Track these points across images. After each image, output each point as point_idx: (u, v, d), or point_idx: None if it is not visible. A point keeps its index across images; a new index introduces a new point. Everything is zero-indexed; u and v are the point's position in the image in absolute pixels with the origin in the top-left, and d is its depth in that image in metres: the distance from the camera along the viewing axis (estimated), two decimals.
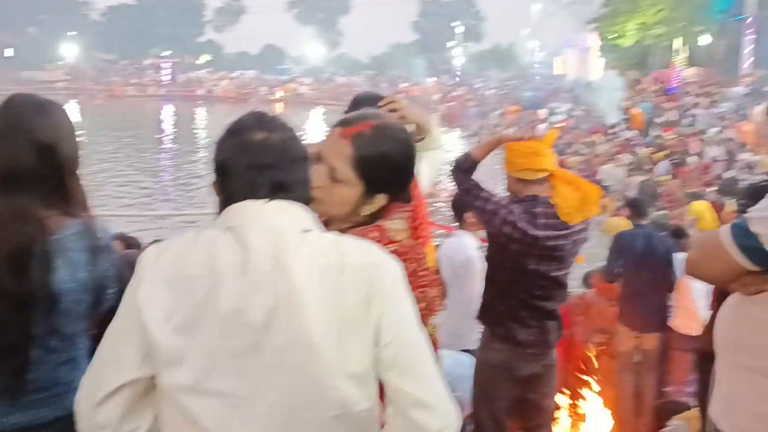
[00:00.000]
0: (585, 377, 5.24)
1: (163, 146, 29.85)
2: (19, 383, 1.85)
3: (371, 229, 1.83)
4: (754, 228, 1.66)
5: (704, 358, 2.77)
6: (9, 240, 1.81)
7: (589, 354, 5.78)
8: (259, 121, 1.50)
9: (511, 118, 29.10)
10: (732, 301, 1.82)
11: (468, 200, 3.47)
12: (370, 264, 1.47)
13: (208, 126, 34.65)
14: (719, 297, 2.45)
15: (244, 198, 1.45)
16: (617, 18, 31.46)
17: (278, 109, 45.64)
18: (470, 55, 59.22)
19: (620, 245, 5.84)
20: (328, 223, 1.89)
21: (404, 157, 1.84)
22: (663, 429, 3.93)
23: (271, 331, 1.37)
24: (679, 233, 6.35)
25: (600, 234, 9.47)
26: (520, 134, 3.72)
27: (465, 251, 4.51)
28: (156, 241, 6.48)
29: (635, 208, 6.25)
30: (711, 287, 4.56)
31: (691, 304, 5.63)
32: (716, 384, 1.87)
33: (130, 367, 1.39)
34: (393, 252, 1.74)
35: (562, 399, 4.20)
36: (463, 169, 3.42)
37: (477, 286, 3.92)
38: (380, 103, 2.45)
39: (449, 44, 60.30)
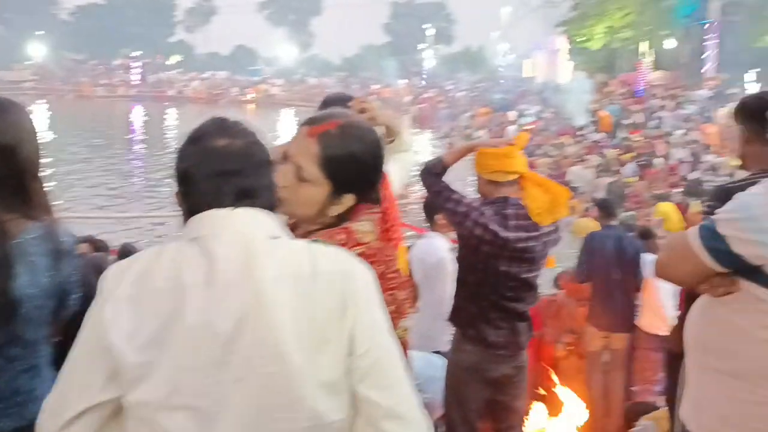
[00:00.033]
0: (554, 378, 5.27)
1: (133, 147, 29.57)
2: None
3: (338, 231, 1.79)
4: (721, 230, 1.66)
5: (673, 358, 2.78)
6: None
7: (558, 354, 5.83)
8: (221, 127, 1.46)
9: (481, 120, 29.25)
10: (701, 302, 1.83)
11: (439, 202, 3.43)
12: (342, 271, 1.44)
13: (178, 127, 34.30)
14: (687, 298, 2.50)
15: (209, 207, 1.41)
16: (585, 21, 31.78)
17: (249, 110, 45.56)
18: (441, 58, 59.40)
19: (590, 246, 5.88)
20: (295, 226, 1.89)
21: (372, 156, 1.80)
22: (631, 429, 3.96)
23: (239, 342, 1.33)
24: (646, 234, 6.39)
25: (569, 235, 9.55)
26: (493, 142, 3.70)
27: (436, 253, 4.50)
28: (126, 243, 6.42)
29: (604, 209, 6.28)
30: (678, 288, 4.63)
31: (657, 303, 5.68)
32: (686, 385, 1.88)
33: (93, 390, 1.35)
34: (360, 254, 1.71)
35: (532, 400, 4.21)
36: (434, 173, 3.41)
37: (448, 287, 3.91)
38: (350, 104, 2.45)
39: (420, 46, 60.41)
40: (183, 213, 1.46)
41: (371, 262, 1.71)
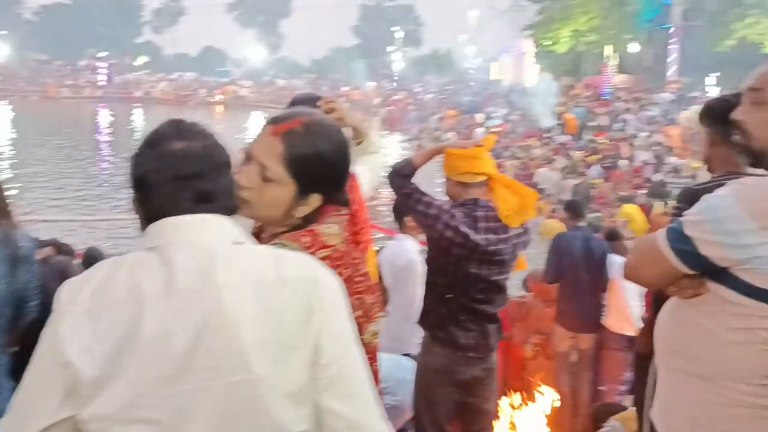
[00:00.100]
0: (523, 379, 5.30)
1: (99, 149, 29.21)
2: None
3: (303, 234, 1.75)
4: (688, 232, 1.66)
5: (641, 360, 2.79)
6: None
7: (527, 355, 5.87)
8: (178, 129, 1.42)
9: (449, 123, 29.38)
10: (670, 304, 1.82)
11: (409, 204, 3.39)
12: (307, 278, 1.40)
13: (146, 129, 33.80)
14: (654, 300, 2.51)
15: (167, 213, 1.37)
16: (551, 25, 32.08)
17: (218, 111, 45.27)
18: (410, 60, 59.56)
19: (558, 247, 5.91)
20: (262, 229, 1.89)
21: (338, 154, 1.75)
22: (600, 430, 3.97)
23: (200, 352, 1.29)
24: (613, 235, 6.44)
25: (536, 236, 9.63)
26: (461, 143, 3.66)
27: (406, 255, 4.46)
28: (92, 247, 6.32)
29: (572, 210, 6.31)
30: (644, 288, 4.67)
31: (623, 304, 5.73)
32: (656, 387, 1.89)
33: (50, 409, 1.29)
34: (326, 257, 1.70)
35: (501, 402, 4.23)
36: (403, 174, 3.38)
37: (418, 290, 3.88)
38: (318, 104, 2.44)
39: (389, 49, 60.54)
40: (141, 220, 1.42)
41: (337, 266, 1.72)
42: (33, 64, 57.53)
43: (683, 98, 24.13)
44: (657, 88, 26.27)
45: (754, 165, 1.81)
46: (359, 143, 2.69)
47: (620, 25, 28.54)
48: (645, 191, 14.63)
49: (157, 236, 1.37)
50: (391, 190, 3.51)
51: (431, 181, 5.27)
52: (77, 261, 5.63)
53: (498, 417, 3.93)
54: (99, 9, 64.69)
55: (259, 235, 1.88)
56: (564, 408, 5.75)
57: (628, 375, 5.62)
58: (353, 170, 2.49)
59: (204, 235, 1.37)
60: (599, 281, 5.82)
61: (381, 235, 7.88)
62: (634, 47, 29.08)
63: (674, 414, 1.78)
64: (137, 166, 1.40)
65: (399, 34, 60.87)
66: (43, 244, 4.56)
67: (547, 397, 4.74)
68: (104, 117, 41.14)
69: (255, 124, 35.09)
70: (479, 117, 28.48)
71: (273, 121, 1.75)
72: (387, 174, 3.36)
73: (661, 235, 1.71)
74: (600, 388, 5.94)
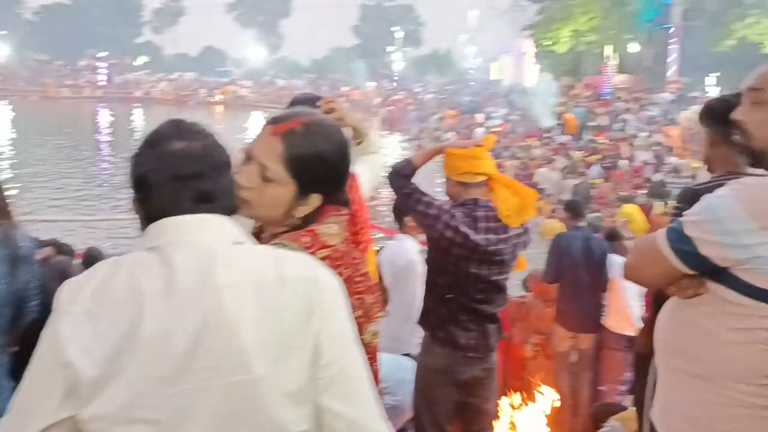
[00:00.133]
0: (523, 379, 5.30)
1: (99, 149, 29.22)
2: None
3: (303, 234, 1.74)
4: (688, 232, 1.66)
5: (641, 360, 2.79)
6: None
7: (527, 355, 5.86)
8: (178, 129, 1.42)
9: (449, 123, 29.40)
10: (670, 304, 1.82)
11: (409, 205, 3.38)
12: (307, 278, 1.41)
13: (146, 129, 33.81)
14: (655, 300, 2.51)
15: (167, 213, 1.37)
16: (551, 25, 32.11)
17: (218, 111, 45.28)
18: (410, 60, 59.60)
19: (559, 247, 5.92)
20: (262, 229, 1.88)
21: (338, 154, 1.75)
22: (600, 430, 3.97)
23: (200, 352, 1.29)
24: (613, 235, 6.44)
25: (536, 236, 9.63)
26: (461, 143, 3.65)
27: (406, 255, 4.45)
28: (92, 247, 6.32)
29: (572, 210, 6.31)
30: (643, 288, 4.66)
31: (623, 304, 5.73)
32: (657, 387, 1.89)
33: (50, 409, 1.29)
34: (326, 257, 1.70)
35: (501, 402, 4.23)
36: (403, 174, 3.37)
37: (418, 290, 3.88)
38: (318, 104, 2.44)
39: (389, 49, 60.58)
40: (141, 220, 1.42)
41: (338, 266, 1.72)
42: (33, 64, 57.57)
43: (683, 98, 24.16)
44: (657, 88, 26.30)
45: (754, 165, 1.81)
46: (359, 143, 2.69)
47: (620, 25, 28.58)
48: (645, 191, 14.65)
49: (157, 236, 1.37)
50: (391, 190, 3.51)
51: (431, 181, 5.26)
52: (77, 261, 5.64)
53: (498, 417, 3.93)
54: (99, 9, 64.74)
55: (259, 235, 1.87)
56: (564, 408, 5.75)
57: (628, 375, 5.61)
58: (353, 170, 2.51)
59: (204, 235, 1.37)
60: (599, 281, 5.83)
61: (381, 235, 7.88)
62: (634, 47, 29.12)
63: (674, 414, 1.78)
64: (137, 166, 1.40)
65: (399, 34, 60.90)
66: (43, 244, 4.57)
67: (547, 397, 4.75)
68: (104, 117, 41.17)
69: (255, 124, 35.09)
70: (479, 117, 28.49)
71: (273, 121, 1.75)
72: (387, 174, 3.35)
73: (661, 235, 1.71)
74: (600, 388, 5.94)
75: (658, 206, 12.60)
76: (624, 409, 3.99)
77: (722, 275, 1.63)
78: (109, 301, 1.30)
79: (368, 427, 1.42)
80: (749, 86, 1.77)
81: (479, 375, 3.47)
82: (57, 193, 18.70)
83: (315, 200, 1.75)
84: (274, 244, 1.69)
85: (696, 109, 20.04)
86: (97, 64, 54.00)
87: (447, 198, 3.43)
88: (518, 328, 5.97)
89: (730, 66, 24.21)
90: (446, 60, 53.66)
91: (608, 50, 29.14)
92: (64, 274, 3.51)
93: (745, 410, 1.64)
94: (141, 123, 38.59)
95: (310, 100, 2.54)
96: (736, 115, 1.79)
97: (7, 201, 1.89)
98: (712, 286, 1.66)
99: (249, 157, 1.72)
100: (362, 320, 1.81)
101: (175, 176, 1.37)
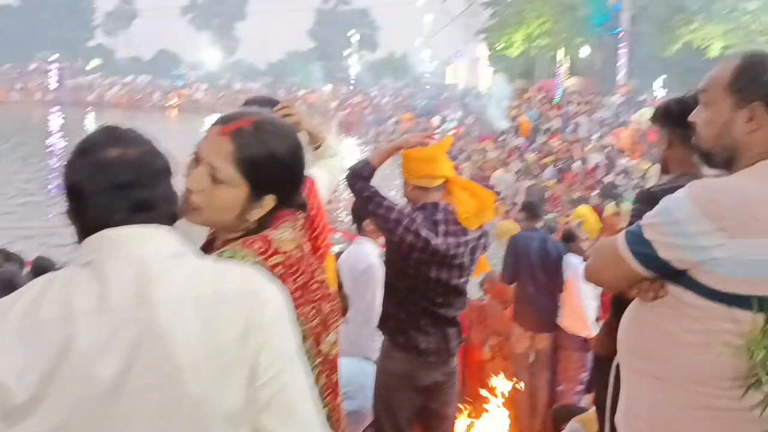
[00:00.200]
0: (482, 381, 5.33)
1: (52, 154, 28.66)
2: None
3: (255, 239, 1.67)
4: (647, 234, 1.65)
5: (600, 361, 2.78)
6: None
7: (485, 357, 5.89)
8: (112, 136, 1.36)
9: (405, 126, 29.47)
10: (633, 307, 1.81)
11: (370, 208, 3.34)
12: (248, 293, 1.34)
13: None
14: (614, 302, 2.51)
15: (104, 224, 1.31)
16: (504, 29, 32.29)
17: (173, 115, 44.73)
18: (366, 64, 59.51)
19: (516, 248, 5.96)
20: (215, 237, 1.82)
21: (289, 152, 1.69)
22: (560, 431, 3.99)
23: (134, 371, 1.23)
24: (569, 236, 6.48)
25: (492, 238, 9.68)
26: (417, 138, 3.50)
27: (366, 259, 4.40)
28: (40, 256, 6.20)
29: (530, 211, 6.35)
30: (599, 289, 4.73)
31: (579, 304, 5.77)
32: (621, 389, 1.89)
33: None
34: (279, 264, 1.65)
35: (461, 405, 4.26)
36: (363, 176, 3.33)
37: (378, 294, 3.84)
38: (275, 108, 2.40)
39: (345, 52, 60.50)
40: (77, 233, 1.35)
41: (292, 273, 1.68)
42: None
43: (632, 101, 24.62)
44: (607, 91, 26.73)
45: (709, 165, 1.84)
46: (317, 147, 2.67)
47: (571, 30, 28.93)
48: (597, 192, 14.90)
49: (90, 251, 1.31)
50: (350, 192, 3.46)
51: (389, 184, 5.30)
52: (26, 269, 5.56)
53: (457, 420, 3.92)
54: (49, 11, 63.32)
55: (212, 243, 1.82)
56: (523, 409, 5.84)
57: (585, 375, 5.69)
58: (311, 174, 2.49)
59: (140, 249, 1.31)
60: (556, 281, 5.89)
61: (338, 236, 7.90)
62: (585, 51, 29.54)
63: (637, 416, 1.78)
64: (70, 175, 1.34)
65: (355, 37, 60.83)
66: None
67: (503, 392, 4.81)
68: (56, 121, 40.34)
69: None
70: (435, 120, 28.67)
71: (221, 121, 1.69)
72: (346, 176, 3.32)
73: (620, 238, 1.72)
74: (559, 388, 5.98)
75: (610, 207, 12.85)
76: (584, 410, 3.99)
77: (681, 277, 1.64)
78: (40, 320, 1.24)
79: None
80: (699, 88, 1.80)
81: (440, 379, 3.46)
82: (8, 199, 18.30)
83: (269, 202, 1.69)
84: (225, 250, 1.64)
85: (645, 111, 20.50)
86: (48, 67, 52.89)
87: (405, 201, 3.43)
88: (476, 331, 5.99)
89: (677, 69, 24.73)
90: (402, 64, 53.70)
91: (560, 54, 29.53)
92: (11, 284, 3.36)
93: (706, 412, 1.64)
94: (94, 127, 37.64)
95: (266, 103, 2.50)
96: (691, 116, 1.82)
97: None
98: (672, 288, 1.67)
99: (197, 159, 1.66)
100: (319, 330, 1.75)
101: (110, 185, 1.31)
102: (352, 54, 59.74)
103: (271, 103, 2.53)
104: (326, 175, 2.67)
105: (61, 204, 1.40)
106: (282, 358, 1.35)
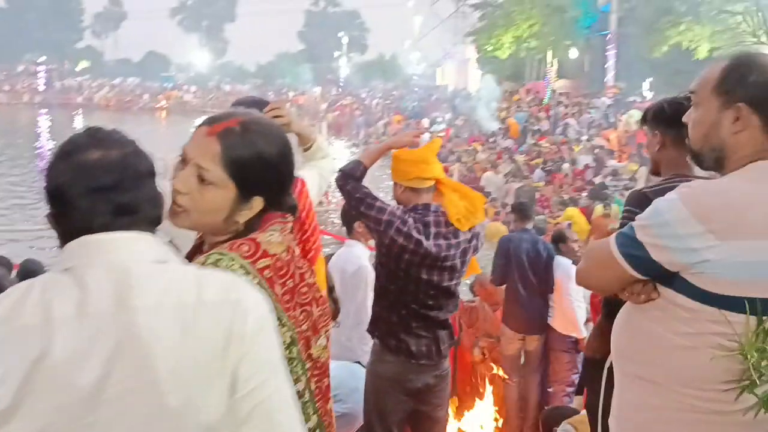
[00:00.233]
0: (473, 383, 5.34)
1: (41, 156, 28.53)
2: None
3: (243, 242, 1.63)
4: (639, 236, 1.64)
5: (592, 364, 2.76)
6: None
7: (476, 360, 5.87)
8: (94, 138, 1.33)
9: (395, 128, 29.52)
10: (624, 310, 1.80)
11: (361, 210, 3.31)
12: (230, 302, 1.31)
13: None
14: (606, 304, 2.50)
15: (85, 228, 1.28)
16: (493, 31, 32.42)
17: (161, 117, 44.64)
18: (355, 66, 59.62)
19: (506, 249, 5.96)
20: (203, 241, 1.79)
21: (278, 154, 1.65)
22: None
23: (112, 380, 1.21)
24: (560, 238, 6.50)
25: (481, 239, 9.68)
26: (407, 138, 3.45)
27: (357, 261, 4.36)
28: (29, 259, 6.16)
29: (520, 212, 6.34)
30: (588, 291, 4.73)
31: (569, 306, 5.79)
32: (614, 392, 1.88)
33: None
34: (267, 267, 1.62)
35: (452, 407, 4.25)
36: (355, 176, 3.30)
37: (369, 297, 3.81)
38: (265, 110, 2.38)
39: (335, 54, 60.57)
40: (58, 237, 1.33)
41: (281, 276, 1.65)
42: None
43: (621, 102, 24.75)
44: (596, 93, 26.88)
45: (700, 167, 1.83)
46: (307, 149, 2.65)
47: (560, 32, 29.06)
48: (586, 194, 14.94)
49: (71, 256, 1.29)
50: (342, 194, 3.43)
51: (377, 186, 5.30)
52: (14, 273, 5.52)
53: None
54: (37, 13, 63.03)
55: (200, 247, 1.78)
56: (513, 410, 5.85)
57: (575, 376, 5.68)
58: (302, 175, 2.47)
59: (121, 254, 1.29)
60: (546, 283, 5.90)
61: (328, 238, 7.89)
62: (573, 53, 29.69)
63: (629, 419, 1.78)
64: (50, 178, 1.31)
65: (344, 39, 60.93)
66: None
67: (488, 399, 4.83)
68: (44, 123, 40.20)
69: None
70: (425, 122, 28.73)
71: (208, 122, 1.66)
72: (337, 177, 3.30)
73: (612, 240, 1.71)
74: (548, 389, 6.00)
75: (599, 208, 12.89)
76: (576, 412, 3.99)
77: (673, 280, 1.63)
78: (18, 326, 1.21)
79: None
80: (689, 89, 1.81)
81: (431, 382, 3.44)
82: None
83: (257, 204, 1.65)
84: (212, 253, 1.61)
85: (633, 113, 20.58)
86: (36, 69, 52.68)
87: (395, 203, 3.41)
88: (467, 333, 5.99)
89: (665, 71, 24.86)
90: (391, 65, 53.88)
91: (549, 56, 29.66)
92: None
93: (697, 415, 1.64)
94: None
95: (255, 104, 2.46)
96: (684, 117, 1.81)
97: None
98: (663, 290, 1.66)
99: (184, 161, 1.63)
100: (309, 334, 1.72)
101: (91, 188, 1.28)
102: (341, 56, 59.86)
103: (260, 104, 2.50)
104: (316, 177, 2.64)
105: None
106: (264, 370, 1.32)
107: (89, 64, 62.48)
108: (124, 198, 1.30)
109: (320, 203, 2.92)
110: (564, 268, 5.83)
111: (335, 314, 3.35)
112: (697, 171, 2.23)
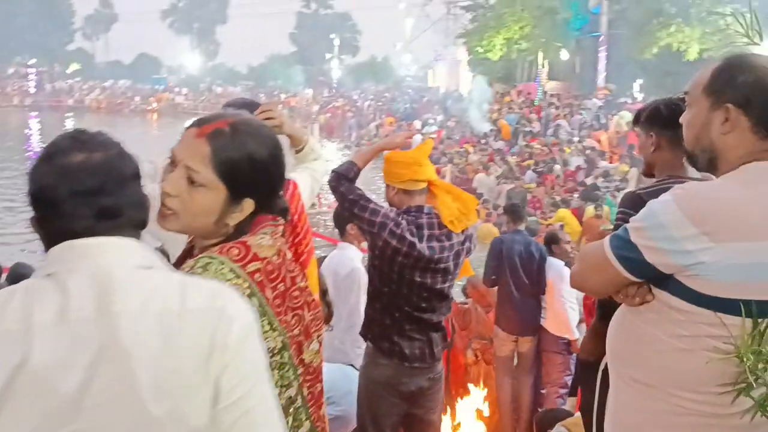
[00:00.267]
0: (466, 385, 5.33)
1: (30, 159, 28.39)
2: None
3: (233, 246, 1.61)
4: (633, 238, 1.63)
5: (586, 366, 2.76)
6: None
7: (468, 361, 5.88)
8: (77, 140, 1.31)
9: (387, 130, 29.58)
10: (619, 312, 1.79)
11: (355, 211, 3.28)
12: (213, 310, 1.29)
13: None
14: (600, 306, 2.49)
15: (69, 232, 1.27)
16: (484, 33, 32.50)
17: (153, 119, 44.55)
18: (347, 68, 59.63)
19: (499, 250, 5.97)
20: (194, 245, 1.77)
21: (268, 155, 1.63)
22: None
23: (93, 387, 1.19)
24: (553, 239, 6.51)
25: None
26: (401, 139, 3.44)
27: (350, 264, 4.37)
28: (19, 263, 6.13)
29: (512, 213, 6.36)
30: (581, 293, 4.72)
31: (560, 306, 5.80)
32: (609, 394, 1.87)
33: None
34: (257, 271, 1.60)
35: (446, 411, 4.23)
36: (348, 178, 3.29)
37: (362, 299, 3.82)
38: (257, 112, 2.36)
39: (326, 56, 60.57)
40: (42, 241, 1.31)
41: (272, 279, 1.63)
42: None
43: (611, 104, 24.84)
44: (587, 94, 26.96)
45: (695, 168, 1.83)
46: (299, 150, 2.64)
47: (551, 34, 29.15)
48: (578, 195, 14.99)
49: (54, 261, 1.28)
50: (334, 196, 3.41)
51: (368, 187, 5.28)
52: (4, 276, 5.49)
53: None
54: (27, 16, 62.73)
55: (191, 252, 1.76)
56: (506, 412, 5.84)
57: (568, 377, 5.69)
58: (294, 178, 2.47)
59: (104, 260, 1.27)
60: (539, 284, 5.90)
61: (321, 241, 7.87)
62: (564, 55, 29.78)
63: (623, 422, 1.77)
64: (33, 181, 1.30)
65: (336, 41, 60.94)
66: None
67: (477, 398, 4.81)
68: (35, 126, 40.06)
69: None
70: (417, 124, 28.75)
71: (197, 123, 1.65)
72: (330, 178, 3.28)
73: (606, 242, 1.70)
74: (541, 391, 6.01)
75: (590, 210, 12.94)
76: (569, 414, 3.99)
77: (667, 282, 1.62)
78: (1, 332, 1.20)
79: None
80: (684, 90, 1.81)
81: (425, 385, 3.43)
82: None
83: (248, 206, 1.64)
84: (202, 257, 1.59)
85: (624, 114, 20.64)
86: (27, 71, 52.50)
87: (388, 205, 3.40)
88: (460, 335, 5.99)
89: (655, 72, 25.00)
90: (383, 67, 53.94)
91: (540, 58, 29.74)
92: None
93: (692, 418, 1.64)
94: None
95: (246, 106, 2.44)
96: (681, 118, 1.81)
97: None
98: (658, 293, 1.66)
99: (173, 163, 1.61)
100: (301, 338, 1.71)
101: (74, 192, 1.27)
102: (333, 58, 59.87)
103: (251, 106, 2.48)
104: (308, 179, 2.63)
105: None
106: (249, 380, 1.31)
107: (80, 66, 62.27)
108: (107, 201, 1.28)
109: (312, 205, 2.90)
110: (556, 269, 5.83)
111: (328, 317, 3.35)
112: (691, 172, 2.24)
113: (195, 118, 1.72)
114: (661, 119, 2.47)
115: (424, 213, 3.31)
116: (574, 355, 5.64)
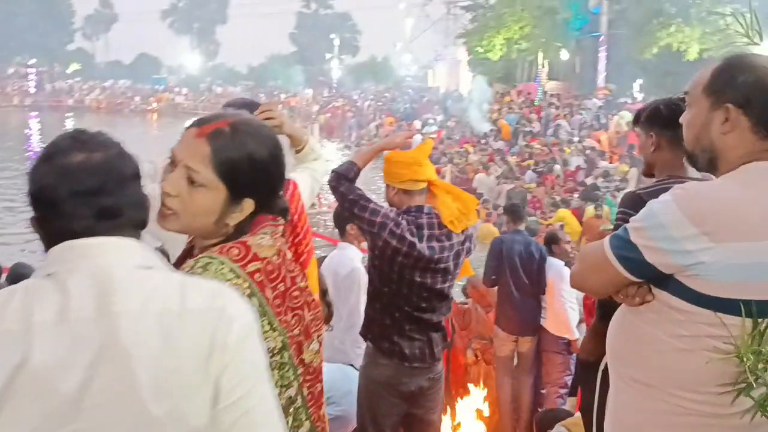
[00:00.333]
0: (466, 385, 5.33)
1: (30, 159, 28.40)
2: None
3: (233, 246, 1.62)
4: (633, 238, 1.63)
5: (586, 366, 2.76)
6: None
7: (468, 361, 5.88)
8: (77, 140, 1.31)
9: (387, 130, 29.58)
10: (619, 312, 1.79)
11: (355, 211, 3.28)
12: (214, 310, 1.29)
13: None
14: (600, 306, 2.49)
15: (69, 232, 1.27)
16: (484, 33, 32.51)
17: (153, 119, 44.56)
18: (347, 68, 59.64)
19: (499, 250, 5.97)
20: (194, 246, 1.77)
21: (268, 155, 1.63)
22: None
23: (93, 387, 1.19)
24: (553, 239, 6.51)
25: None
26: (401, 139, 3.44)
27: (350, 264, 4.37)
28: (19, 263, 6.14)
29: (512, 213, 6.36)
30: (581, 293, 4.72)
31: (560, 306, 5.80)
32: (609, 393, 1.87)
33: None
34: (257, 271, 1.60)
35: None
36: (348, 177, 3.29)
37: (362, 299, 3.82)
38: (257, 112, 2.36)
39: (326, 56, 60.58)
40: (42, 241, 1.31)
41: (272, 279, 1.63)
42: None
43: (611, 104, 24.85)
44: (587, 94, 26.97)
45: (695, 168, 1.83)
46: (299, 150, 2.63)
47: (551, 34, 29.16)
48: (578, 195, 14.99)
49: (54, 261, 1.28)
50: (334, 196, 3.41)
51: (368, 187, 5.28)
52: (4, 276, 5.49)
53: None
54: (26, 15, 62.76)
55: (191, 252, 1.76)
56: (506, 412, 5.84)
57: (568, 377, 5.69)
58: (294, 178, 2.47)
59: (104, 260, 1.27)
60: (539, 284, 5.90)
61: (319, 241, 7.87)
62: (564, 55, 29.79)
63: (624, 422, 1.77)
64: (33, 181, 1.30)
65: (336, 41, 60.94)
66: None
67: (477, 398, 4.81)
68: (35, 126, 40.08)
69: None
70: (416, 123, 28.76)
71: (197, 123, 1.65)
72: (330, 178, 3.27)
73: (606, 242, 1.70)
74: (541, 391, 6.01)
75: (590, 210, 12.94)
76: (570, 414, 3.98)
77: (667, 282, 1.62)
78: (1, 332, 1.20)
79: None
80: (684, 90, 1.81)
81: (425, 385, 3.43)
82: None
83: (248, 206, 1.64)
84: (202, 257, 1.59)
85: (624, 114, 20.64)
86: (27, 71, 52.52)
87: (388, 205, 3.40)
88: (460, 335, 5.99)
89: (655, 73, 25.00)
90: (383, 67, 53.96)
91: (540, 58, 29.74)
92: None
93: (692, 418, 1.64)
94: None
95: (246, 106, 2.44)
96: (681, 118, 1.81)
97: None
98: (658, 293, 1.65)
99: (173, 163, 1.61)
100: (301, 338, 1.70)
101: (74, 192, 1.27)
102: (333, 58, 59.87)
103: (251, 106, 2.48)
104: (309, 179, 2.62)
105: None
106: (248, 380, 1.31)
107: (80, 66, 62.30)
108: (107, 201, 1.28)
109: (312, 205, 2.89)
110: (556, 269, 5.83)
111: (328, 317, 3.35)
112: (691, 172, 2.24)
113: (195, 118, 1.72)
114: (661, 119, 2.47)
115: (424, 213, 3.31)
116: (574, 355, 5.64)
